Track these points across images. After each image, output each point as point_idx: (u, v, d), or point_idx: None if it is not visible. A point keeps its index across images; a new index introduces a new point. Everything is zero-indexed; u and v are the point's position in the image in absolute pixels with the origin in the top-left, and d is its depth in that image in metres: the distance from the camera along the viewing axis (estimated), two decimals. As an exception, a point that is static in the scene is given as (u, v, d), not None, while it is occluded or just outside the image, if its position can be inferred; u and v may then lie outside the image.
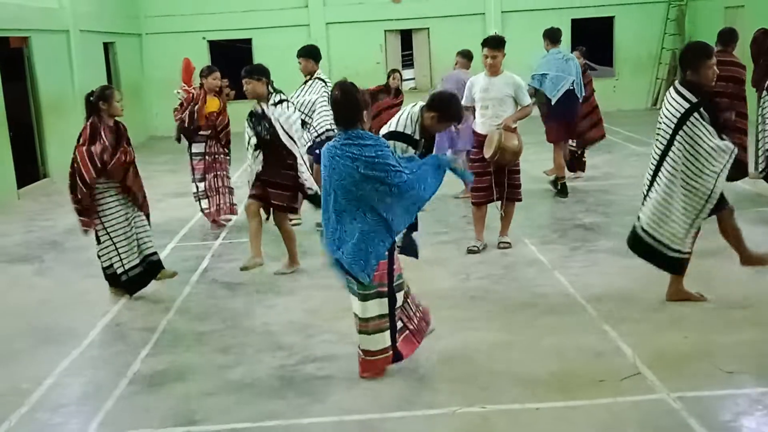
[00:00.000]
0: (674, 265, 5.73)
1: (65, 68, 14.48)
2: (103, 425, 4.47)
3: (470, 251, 7.47)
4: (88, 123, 6.59)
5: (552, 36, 9.93)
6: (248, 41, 19.82)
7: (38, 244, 8.94)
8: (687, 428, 4.07)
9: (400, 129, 5.57)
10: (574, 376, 4.74)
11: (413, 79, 20.69)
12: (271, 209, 7.24)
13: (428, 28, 19.77)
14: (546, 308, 5.95)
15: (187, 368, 5.20)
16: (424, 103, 5.58)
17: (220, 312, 6.30)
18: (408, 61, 20.70)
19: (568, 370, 4.82)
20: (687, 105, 5.43)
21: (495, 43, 7.33)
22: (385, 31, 19.81)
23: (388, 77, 10.67)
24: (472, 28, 19.44)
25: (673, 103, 5.52)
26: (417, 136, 5.55)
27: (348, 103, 4.67)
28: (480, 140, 7.37)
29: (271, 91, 7.19)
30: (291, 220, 7.59)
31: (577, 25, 19.67)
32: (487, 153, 7.16)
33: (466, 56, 10.32)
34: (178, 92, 10.32)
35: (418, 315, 5.00)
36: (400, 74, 10.89)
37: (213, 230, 9.16)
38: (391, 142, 5.31)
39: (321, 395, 4.67)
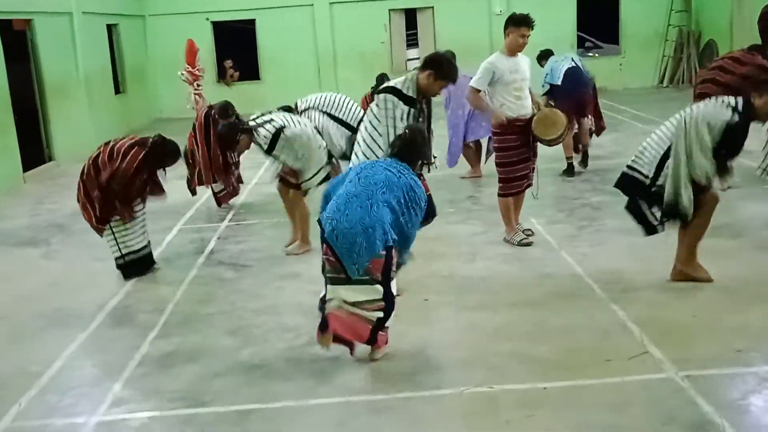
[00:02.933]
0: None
1: (69, 51, 14.45)
2: (112, 407, 4.49)
3: (527, 243, 7.02)
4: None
5: (544, 56, 10.53)
6: (252, 22, 19.74)
7: (45, 227, 8.96)
8: (695, 407, 4.07)
9: (398, 87, 5.79)
10: (581, 355, 4.74)
11: (418, 58, 20.59)
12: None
13: (433, 7, 19.65)
14: (553, 288, 5.95)
15: (196, 350, 5.21)
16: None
17: (228, 294, 6.31)
18: (412, 41, 20.60)
19: (575, 350, 4.82)
20: None
21: (533, 24, 6.87)
22: (390, 10, 19.70)
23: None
24: (477, 6, 19.35)
25: None
26: (412, 94, 5.78)
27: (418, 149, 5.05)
28: (520, 125, 6.81)
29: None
30: None
31: (582, 2, 19.53)
32: (552, 134, 6.80)
33: (452, 56, 10.16)
34: (182, 74, 10.34)
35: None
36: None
37: (222, 209, 9.19)
38: (389, 99, 5.70)
39: (328, 376, 4.68)
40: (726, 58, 8.47)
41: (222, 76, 20.03)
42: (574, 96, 9.78)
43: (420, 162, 5.06)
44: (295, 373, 4.75)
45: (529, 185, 7.10)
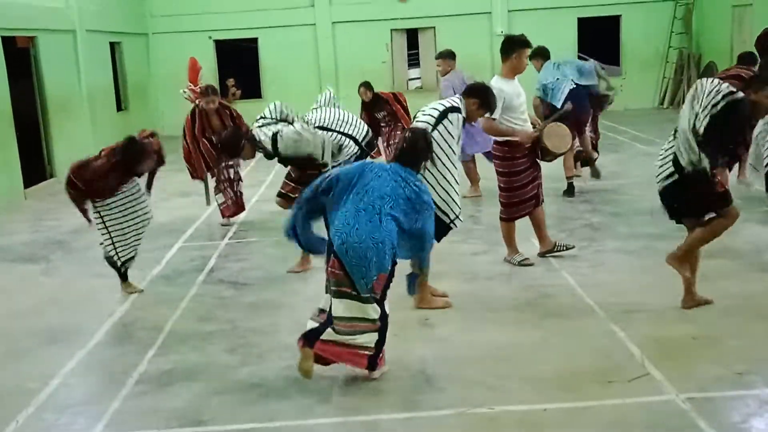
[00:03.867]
0: None
1: (72, 68, 14.51)
2: (109, 426, 4.47)
3: (528, 264, 7.00)
4: None
5: (540, 54, 10.03)
6: (254, 40, 19.84)
7: (45, 244, 8.95)
8: (696, 430, 4.04)
9: (460, 107, 6.01)
10: (582, 376, 4.71)
11: (419, 78, 20.69)
12: None
13: (434, 27, 19.76)
14: (553, 308, 5.93)
15: (194, 368, 5.19)
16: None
17: (227, 312, 6.29)
18: (414, 61, 20.70)
19: (576, 371, 4.79)
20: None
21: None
22: (392, 30, 19.81)
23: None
24: (479, 27, 19.46)
25: None
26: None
27: (421, 153, 5.02)
28: (527, 147, 6.79)
29: None
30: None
31: (583, 24, 19.64)
32: (563, 146, 6.93)
33: (454, 56, 10.15)
34: (185, 91, 10.32)
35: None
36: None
37: (223, 226, 9.16)
38: (461, 119, 5.96)
39: (327, 396, 4.65)
40: (727, 77, 8.50)
41: (224, 94, 20.08)
42: (572, 117, 9.75)
43: (423, 163, 5.07)
44: (294, 393, 4.73)
45: (539, 203, 7.06)
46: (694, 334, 5.28)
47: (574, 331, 5.46)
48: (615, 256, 7.16)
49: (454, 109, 5.98)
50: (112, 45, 17.18)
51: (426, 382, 4.79)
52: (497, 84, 6.66)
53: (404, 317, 5.73)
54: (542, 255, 7.17)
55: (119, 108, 17.37)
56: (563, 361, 4.96)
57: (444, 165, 5.85)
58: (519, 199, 6.91)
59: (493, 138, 6.95)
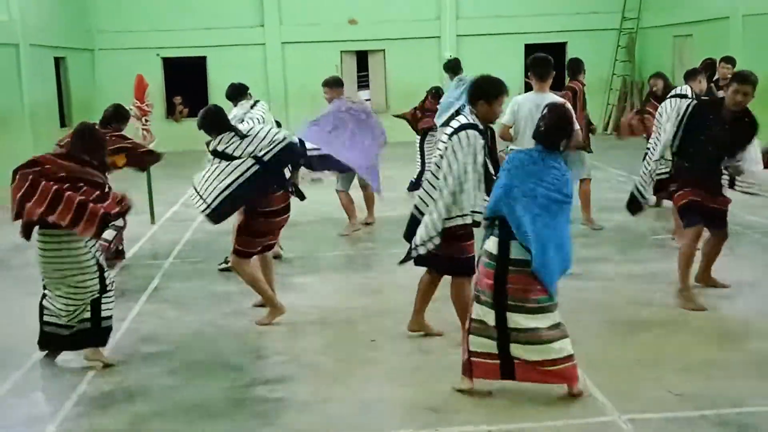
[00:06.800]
0: None
1: (14, 83, 14.21)
2: (45, 449, 4.35)
3: None
4: None
5: (451, 68, 10.27)
6: (203, 59, 19.71)
7: (-18, 262, 8.71)
8: (637, 450, 4.10)
9: (473, 121, 5.25)
10: (525, 398, 4.74)
11: (369, 100, 20.77)
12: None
13: (384, 50, 19.89)
14: (498, 330, 5.95)
15: (135, 389, 5.09)
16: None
17: (170, 332, 6.19)
18: (363, 82, 20.79)
19: (519, 392, 4.81)
20: None
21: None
22: (341, 51, 19.87)
23: None
24: (428, 51, 19.65)
25: None
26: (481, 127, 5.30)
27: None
28: None
29: None
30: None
31: (530, 50, 19.97)
32: None
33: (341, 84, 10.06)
34: (131, 109, 10.21)
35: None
36: None
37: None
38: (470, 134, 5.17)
39: (272, 417, 4.61)
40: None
41: (171, 112, 19.91)
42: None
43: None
44: (238, 414, 4.67)
45: None
46: (636, 354, 5.37)
47: (519, 352, 5.49)
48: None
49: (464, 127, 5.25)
50: (57, 60, 16.89)
51: (370, 404, 4.77)
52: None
53: (349, 337, 5.71)
54: None
55: (63, 124, 17.05)
56: (506, 382, 4.98)
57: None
58: None
59: None
